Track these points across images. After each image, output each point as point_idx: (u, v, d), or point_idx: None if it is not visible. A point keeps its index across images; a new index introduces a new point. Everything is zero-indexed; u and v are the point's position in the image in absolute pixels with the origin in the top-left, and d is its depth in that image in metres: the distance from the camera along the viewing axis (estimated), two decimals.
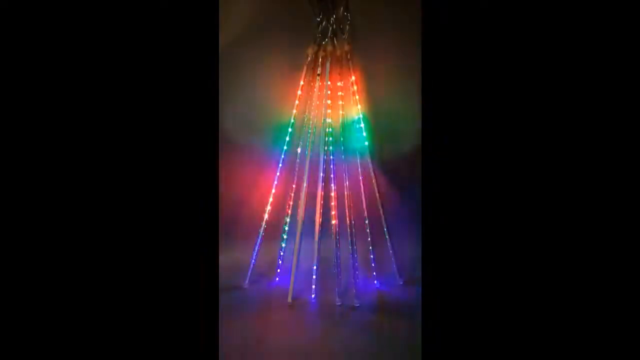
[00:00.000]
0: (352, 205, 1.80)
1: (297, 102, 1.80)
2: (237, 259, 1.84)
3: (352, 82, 1.81)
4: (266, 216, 1.83)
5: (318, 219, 1.73)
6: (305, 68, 1.80)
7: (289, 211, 1.84)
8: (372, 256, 1.86)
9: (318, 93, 1.78)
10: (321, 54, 1.78)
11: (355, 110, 1.83)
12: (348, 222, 1.78)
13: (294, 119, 1.80)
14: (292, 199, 1.84)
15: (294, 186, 1.83)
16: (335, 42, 1.78)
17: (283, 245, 1.86)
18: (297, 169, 1.82)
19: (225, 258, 1.64)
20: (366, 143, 1.83)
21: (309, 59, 1.78)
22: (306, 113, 1.82)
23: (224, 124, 1.75)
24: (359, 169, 1.86)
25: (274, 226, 1.86)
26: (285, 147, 1.81)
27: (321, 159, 1.76)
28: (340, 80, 1.81)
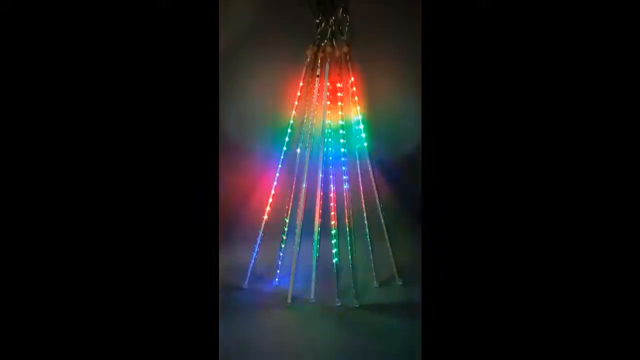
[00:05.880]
0: (351, 205, 1.81)
1: (296, 103, 1.80)
2: (237, 259, 1.84)
3: (352, 83, 1.81)
4: (266, 216, 1.83)
5: (317, 220, 1.73)
6: (304, 69, 1.80)
7: (289, 211, 1.84)
8: (371, 256, 1.86)
9: (317, 94, 1.78)
10: (320, 55, 1.78)
11: (355, 111, 1.83)
12: (347, 222, 1.78)
13: (293, 119, 1.80)
14: (291, 200, 1.84)
15: (293, 187, 1.83)
16: (334, 43, 1.78)
17: (282, 245, 1.86)
18: (296, 169, 1.82)
19: (225, 258, 1.64)
20: (365, 144, 1.84)
21: (308, 60, 1.79)
22: (305, 114, 1.82)
23: (224, 125, 1.75)
24: (359, 170, 1.86)
25: (274, 226, 1.86)
26: (284, 148, 1.81)
27: (320, 160, 1.76)
28: (340, 81, 1.81)
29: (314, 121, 1.80)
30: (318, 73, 1.77)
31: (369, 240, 1.87)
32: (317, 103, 1.78)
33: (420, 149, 1.05)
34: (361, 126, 1.83)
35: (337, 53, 1.79)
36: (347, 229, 1.77)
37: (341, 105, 1.82)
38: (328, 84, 1.77)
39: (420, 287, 1.05)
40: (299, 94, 1.80)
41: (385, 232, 1.87)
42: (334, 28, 1.78)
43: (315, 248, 1.71)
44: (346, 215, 1.79)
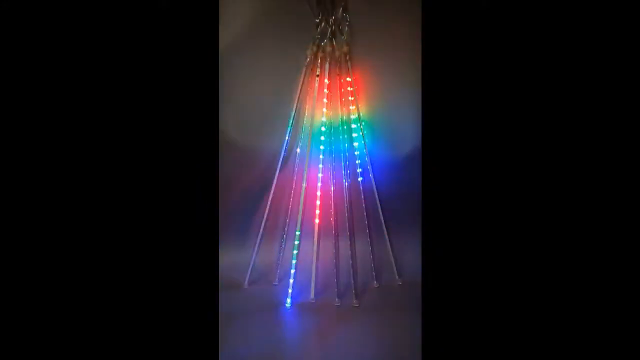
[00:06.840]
0: (351, 205, 1.81)
1: (296, 102, 1.80)
2: (237, 259, 1.84)
3: (351, 82, 1.81)
4: (266, 216, 1.83)
5: (317, 219, 1.73)
6: (304, 69, 1.80)
7: (289, 211, 1.84)
8: (372, 256, 1.86)
9: (317, 94, 1.78)
10: (320, 54, 1.78)
11: (354, 110, 1.83)
12: (347, 222, 1.78)
13: (293, 119, 1.81)
14: (291, 199, 1.84)
15: (293, 186, 1.83)
16: (334, 42, 1.79)
17: (283, 245, 1.86)
18: (296, 169, 1.83)
19: (225, 258, 1.65)
20: (365, 143, 1.84)
21: (308, 59, 1.79)
22: (305, 114, 1.82)
23: (224, 124, 1.76)
24: (358, 169, 1.86)
25: (274, 226, 1.87)
26: (284, 148, 1.81)
27: (320, 160, 1.76)
28: (340, 81, 1.81)
29: (314, 121, 1.80)
30: (318, 73, 1.77)
31: (369, 239, 1.87)
32: (316, 103, 1.78)
33: (420, 149, 1.05)
34: (361, 126, 1.83)
35: (337, 52, 1.79)
36: (347, 229, 1.77)
37: (341, 105, 1.82)
38: (328, 83, 1.77)
39: (420, 287, 1.05)
40: (299, 93, 1.81)
41: (385, 232, 1.87)
42: (334, 28, 1.78)
43: (315, 247, 1.71)
44: (346, 214, 1.79)
